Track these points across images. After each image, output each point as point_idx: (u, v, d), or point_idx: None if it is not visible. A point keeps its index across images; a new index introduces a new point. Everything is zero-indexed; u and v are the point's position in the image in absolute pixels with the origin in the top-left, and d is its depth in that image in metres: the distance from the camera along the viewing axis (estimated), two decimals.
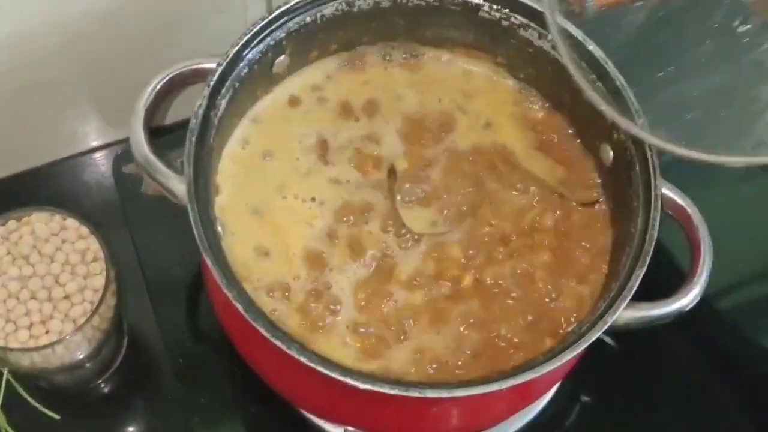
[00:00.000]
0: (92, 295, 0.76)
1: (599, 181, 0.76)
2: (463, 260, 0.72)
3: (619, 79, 0.72)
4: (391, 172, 0.76)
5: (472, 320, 0.70)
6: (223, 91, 0.70)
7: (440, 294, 0.71)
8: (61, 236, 0.77)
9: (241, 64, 0.71)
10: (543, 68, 0.77)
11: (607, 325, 0.64)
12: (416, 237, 0.73)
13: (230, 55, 0.70)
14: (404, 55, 0.81)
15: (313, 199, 0.74)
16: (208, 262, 0.63)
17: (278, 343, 0.61)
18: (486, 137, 0.78)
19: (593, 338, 0.63)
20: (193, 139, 0.67)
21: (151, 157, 0.68)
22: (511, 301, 0.71)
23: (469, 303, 0.71)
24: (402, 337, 0.69)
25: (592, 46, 0.73)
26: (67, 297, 0.75)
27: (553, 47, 0.74)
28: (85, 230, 0.78)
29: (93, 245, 0.78)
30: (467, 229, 0.74)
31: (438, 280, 0.72)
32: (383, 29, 0.78)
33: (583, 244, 0.73)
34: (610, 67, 0.72)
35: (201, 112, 0.68)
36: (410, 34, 0.79)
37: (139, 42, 0.86)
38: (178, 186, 0.67)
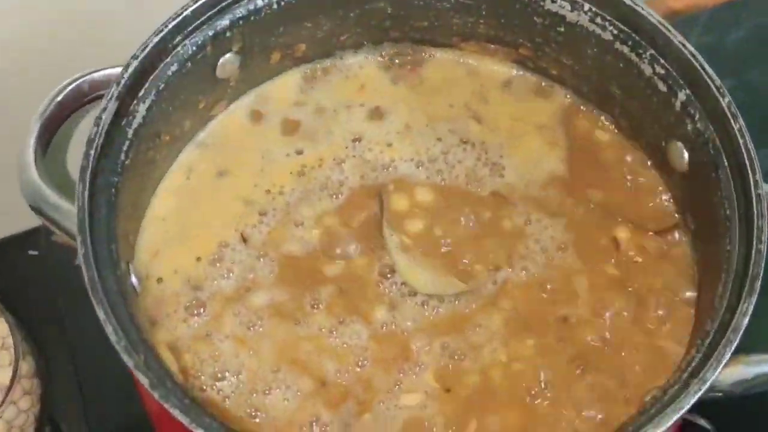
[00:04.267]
0: None
1: (670, 198, 0.56)
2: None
3: (689, 48, 0.52)
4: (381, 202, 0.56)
5: None
6: (142, 93, 0.52)
7: None
8: None
9: (168, 60, 0.53)
10: (579, 53, 0.57)
11: (708, 384, 0.42)
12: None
13: (149, 46, 0.52)
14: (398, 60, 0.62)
15: None
16: (101, 315, 0.43)
17: None
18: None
19: (687, 405, 0.41)
20: (92, 152, 0.48)
21: (41, 183, 0.50)
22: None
23: None
24: None
25: (646, 11, 0.53)
26: None
27: (592, 19, 0.55)
28: None
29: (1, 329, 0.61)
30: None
31: None
32: (366, 20, 0.59)
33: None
34: (675, 34, 0.52)
35: (107, 117, 0.50)
36: (402, 28, 0.60)
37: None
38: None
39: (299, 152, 0.58)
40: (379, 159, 0.59)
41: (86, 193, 0.47)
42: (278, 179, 0.57)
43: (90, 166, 0.48)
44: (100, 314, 0.43)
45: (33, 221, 0.74)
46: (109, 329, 0.43)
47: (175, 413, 0.41)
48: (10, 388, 0.58)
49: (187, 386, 0.48)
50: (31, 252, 0.79)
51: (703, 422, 0.55)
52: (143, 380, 0.42)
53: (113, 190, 0.49)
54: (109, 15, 0.66)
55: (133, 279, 0.50)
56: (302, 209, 0.56)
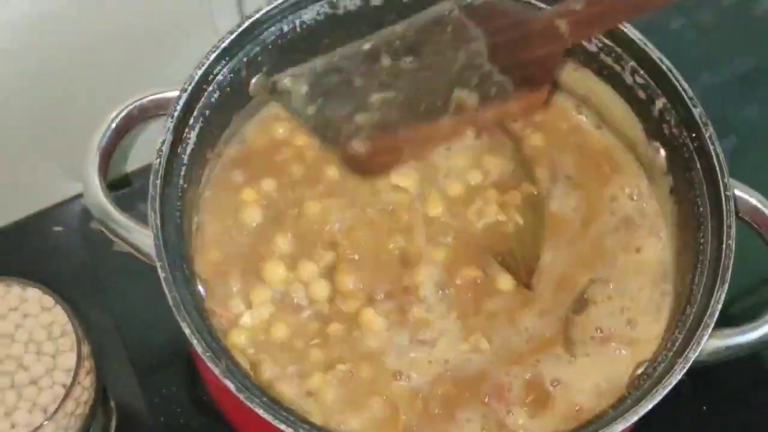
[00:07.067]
0: (63, 377, 0.65)
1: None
2: None
3: (665, 63, 0.60)
4: None
5: None
6: (191, 121, 0.59)
7: None
8: (22, 310, 0.67)
9: (210, 88, 0.60)
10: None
11: (690, 362, 0.51)
12: None
13: (195, 79, 0.59)
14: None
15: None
16: (187, 331, 0.51)
17: (282, 427, 0.49)
18: None
19: (675, 380, 0.51)
20: (158, 182, 0.56)
21: (109, 206, 0.57)
22: None
23: None
24: None
25: (626, 27, 0.61)
26: (33, 382, 0.65)
27: None
28: (49, 301, 0.67)
29: (60, 317, 0.67)
30: None
31: None
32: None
33: None
34: (651, 49, 0.60)
35: (166, 149, 0.57)
36: None
37: (96, 80, 0.74)
38: (147, 241, 0.55)
39: None
40: None
41: (158, 221, 0.54)
42: None
43: (158, 195, 0.55)
44: (186, 330, 0.51)
45: (55, 198, 0.84)
46: (194, 342, 0.51)
47: (260, 412, 0.49)
48: (76, 371, 0.66)
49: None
50: (55, 228, 0.86)
51: None
52: (229, 385, 0.50)
53: (178, 213, 0.57)
54: (145, 42, 0.73)
55: (200, 288, 0.58)
56: None
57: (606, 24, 0.61)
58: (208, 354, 0.51)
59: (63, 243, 0.82)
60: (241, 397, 0.50)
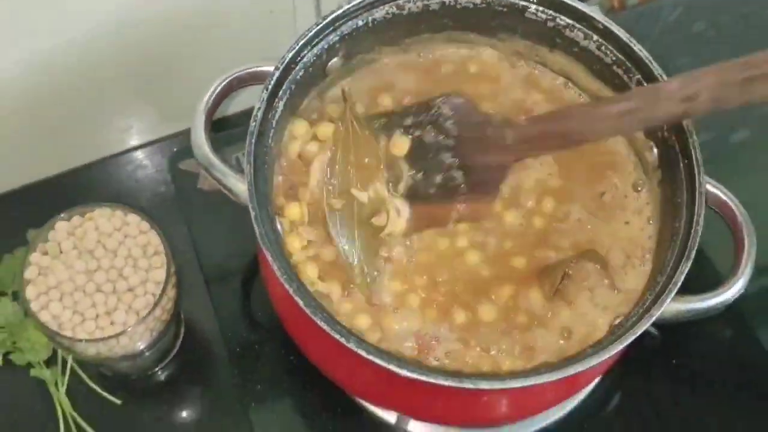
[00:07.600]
0: (154, 288, 0.79)
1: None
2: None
3: (665, 79, 0.73)
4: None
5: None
6: (280, 93, 0.73)
7: None
8: (124, 231, 0.80)
9: (297, 68, 0.74)
10: (588, 68, 0.79)
11: (654, 318, 0.66)
12: None
13: (287, 59, 0.73)
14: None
15: None
16: (269, 258, 0.66)
17: (337, 336, 0.64)
18: None
19: (641, 330, 0.66)
20: (253, 140, 0.70)
21: (212, 157, 0.71)
22: None
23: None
24: None
25: (637, 47, 0.74)
26: (130, 289, 0.78)
27: (599, 47, 0.76)
28: (145, 225, 0.81)
29: (153, 239, 0.81)
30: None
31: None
32: (431, 30, 0.80)
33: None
34: (656, 67, 0.74)
35: (260, 114, 0.71)
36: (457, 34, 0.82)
37: (191, 42, 0.89)
38: (238, 185, 0.70)
39: None
40: None
41: (251, 171, 0.69)
42: None
43: (252, 151, 0.69)
44: (268, 257, 0.66)
45: (149, 138, 0.97)
46: (275, 267, 0.66)
47: (322, 324, 0.64)
48: (165, 285, 0.80)
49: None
50: (146, 164, 0.97)
51: (652, 330, 0.81)
52: (300, 302, 0.65)
53: (266, 166, 0.71)
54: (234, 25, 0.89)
55: (278, 226, 0.73)
56: None
57: (541, 148, 0.75)
58: (284, 276, 0.66)
59: (154, 178, 0.96)
60: (308, 311, 0.65)
